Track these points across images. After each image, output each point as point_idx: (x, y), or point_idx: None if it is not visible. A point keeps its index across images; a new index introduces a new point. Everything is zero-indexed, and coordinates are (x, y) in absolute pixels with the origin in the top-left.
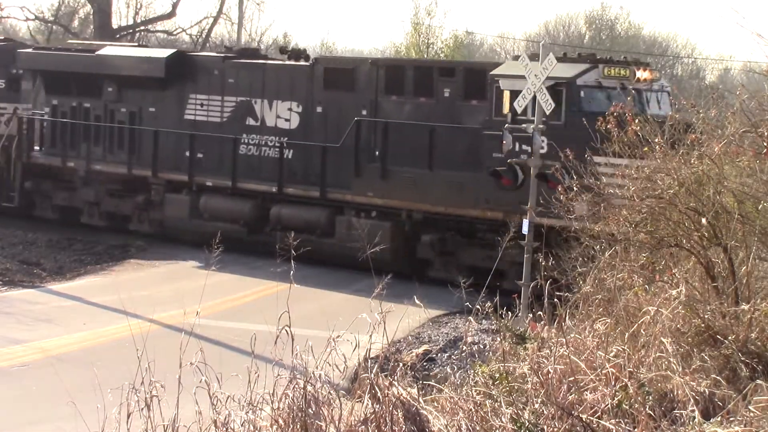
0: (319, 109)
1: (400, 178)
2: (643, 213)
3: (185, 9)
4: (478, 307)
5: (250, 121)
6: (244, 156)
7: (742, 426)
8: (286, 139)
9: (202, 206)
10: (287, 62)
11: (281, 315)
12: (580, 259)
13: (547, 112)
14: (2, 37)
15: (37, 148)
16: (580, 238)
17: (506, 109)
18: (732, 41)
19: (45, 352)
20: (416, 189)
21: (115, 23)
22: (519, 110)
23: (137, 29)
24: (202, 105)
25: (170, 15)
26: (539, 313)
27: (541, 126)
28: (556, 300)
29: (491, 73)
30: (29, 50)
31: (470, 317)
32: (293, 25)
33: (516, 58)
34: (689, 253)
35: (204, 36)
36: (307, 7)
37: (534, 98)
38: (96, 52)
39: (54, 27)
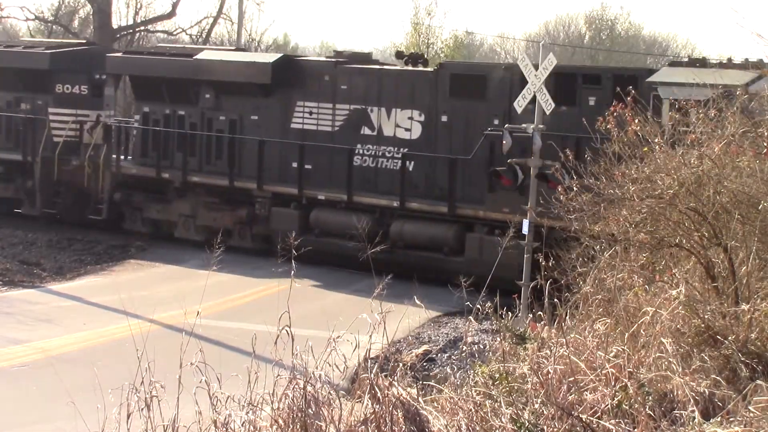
0: (444, 119)
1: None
2: (643, 213)
3: (185, 9)
4: (478, 307)
5: (366, 131)
6: (358, 167)
7: (742, 426)
8: (406, 149)
9: (313, 221)
10: (407, 68)
11: (281, 315)
12: (580, 259)
13: (547, 112)
14: (84, 41)
15: (122, 157)
16: (580, 238)
17: (665, 119)
18: (732, 41)
19: (45, 352)
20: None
21: (115, 23)
22: (519, 110)
23: (137, 29)
24: (311, 113)
25: (170, 15)
26: (539, 313)
27: (541, 126)
28: (556, 300)
29: (648, 80)
30: (118, 54)
31: (470, 317)
32: (293, 25)
33: (673, 63)
34: (689, 253)
35: (204, 36)
36: (307, 7)
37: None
38: (194, 57)
39: (54, 27)
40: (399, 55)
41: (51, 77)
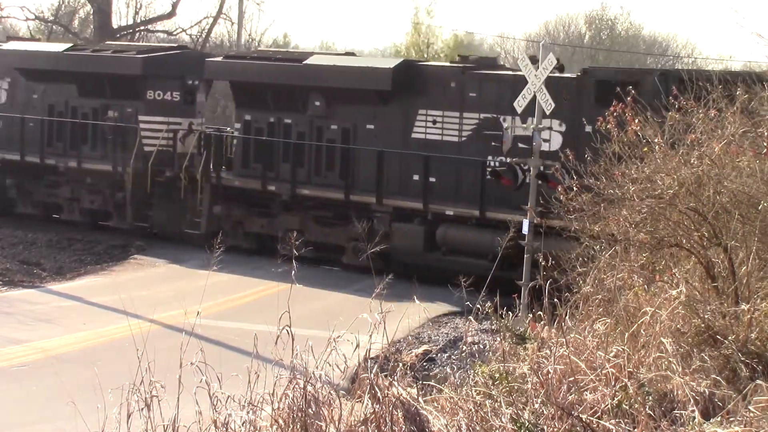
0: (588, 129)
1: None
2: (643, 213)
3: (185, 9)
4: (478, 307)
5: (498, 141)
6: (489, 181)
7: (742, 426)
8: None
9: (440, 238)
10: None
11: (282, 315)
12: (580, 259)
13: (547, 112)
14: (175, 45)
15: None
16: (580, 238)
17: None
18: (732, 41)
19: (45, 352)
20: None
21: (115, 23)
22: (519, 110)
23: (137, 29)
24: (434, 122)
25: (170, 15)
26: (539, 313)
27: (540, 126)
28: (556, 300)
29: None
30: (218, 59)
31: (470, 317)
32: (293, 25)
33: None
34: (689, 253)
35: (204, 36)
36: (307, 7)
37: None
38: (303, 62)
39: (54, 27)
40: (533, 59)
41: (142, 83)
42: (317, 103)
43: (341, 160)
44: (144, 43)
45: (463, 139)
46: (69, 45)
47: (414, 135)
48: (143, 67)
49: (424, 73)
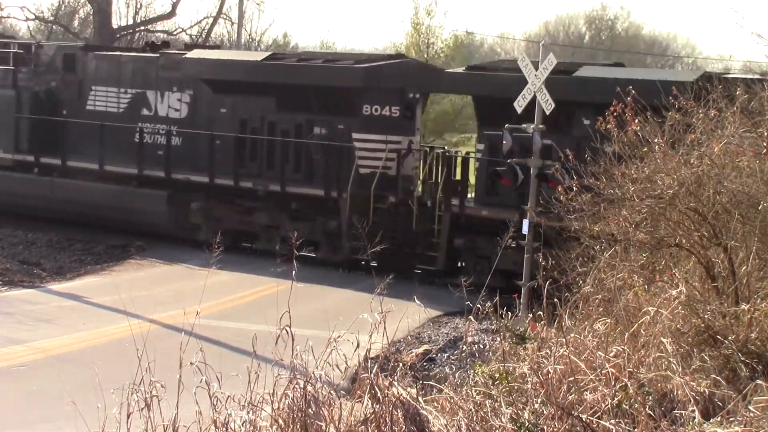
0: None
1: None
2: (643, 213)
3: (185, 9)
4: (478, 307)
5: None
6: None
7: (742, 426)
8: None
9: None
10: None
11: (282, 315)
12: (580, 259)
13: (547, 112)
14: (395, 53)
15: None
16: (580, 238)
17: None
18: (732, 41)
19: (45, 352)
20: None
21: (115, 23)
22: (519, 110)
23: (137, 29)
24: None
25: (170, 15)
26: (539, 313)
27: (541, 126)
28: (556, 300)
29: None
30: (459, 70)
31: (470, 317)
32: (293, 25)
33: None
34: (689, 253)
35: (204, 36)
36: (307, 7)
37: None
38: (573, 73)
39: (54, 27)
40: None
41: (360, 97)
42: (586, 122)
43: None
44: (356, 51)
45: None
46: (268, 54)
47: None
48: (364, 78)
49: (728, 84)
